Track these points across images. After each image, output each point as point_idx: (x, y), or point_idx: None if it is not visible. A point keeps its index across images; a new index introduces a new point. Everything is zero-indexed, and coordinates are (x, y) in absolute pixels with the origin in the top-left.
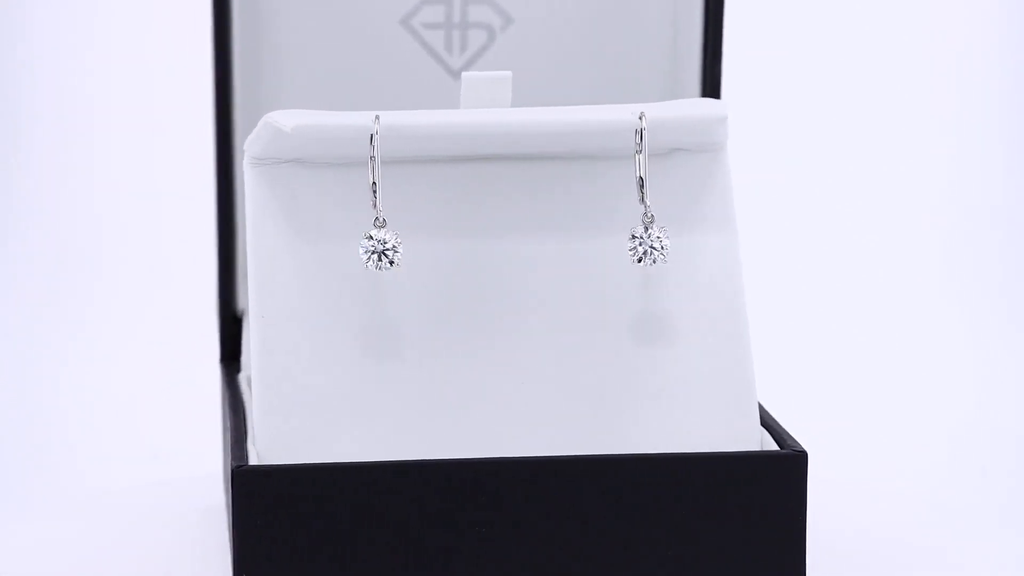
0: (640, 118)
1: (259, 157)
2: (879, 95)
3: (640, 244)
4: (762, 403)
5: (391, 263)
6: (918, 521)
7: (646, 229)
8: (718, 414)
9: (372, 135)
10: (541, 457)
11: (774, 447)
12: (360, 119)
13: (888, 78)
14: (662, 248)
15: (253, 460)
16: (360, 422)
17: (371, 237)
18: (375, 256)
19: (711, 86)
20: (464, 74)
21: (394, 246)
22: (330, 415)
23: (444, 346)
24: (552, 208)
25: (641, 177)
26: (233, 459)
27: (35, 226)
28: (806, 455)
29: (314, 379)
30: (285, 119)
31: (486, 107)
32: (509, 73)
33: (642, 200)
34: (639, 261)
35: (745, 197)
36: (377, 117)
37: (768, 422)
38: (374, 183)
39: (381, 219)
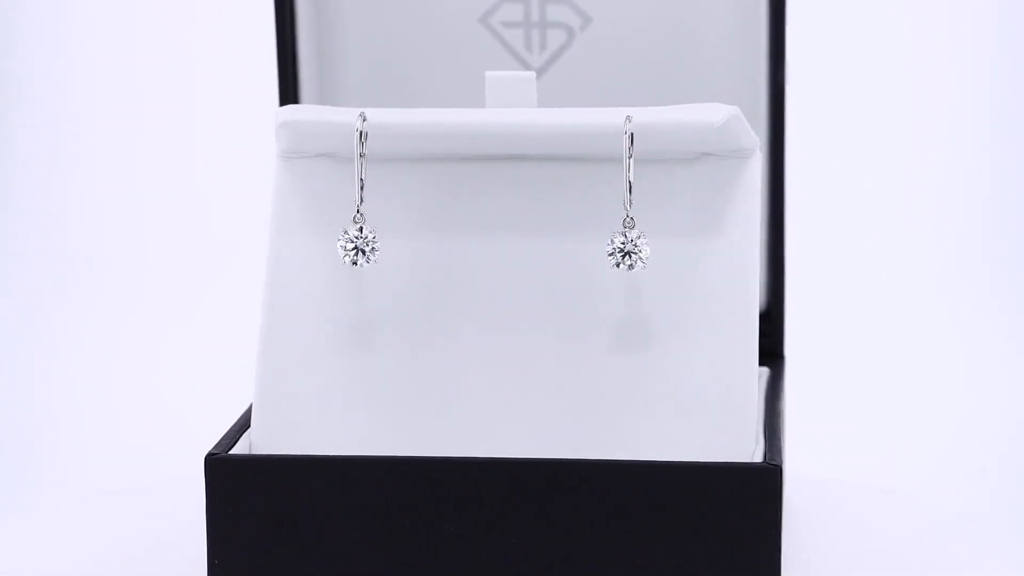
0: (626, 121)
1: (288, 151)
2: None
3: (619, 248)
4: (785, 407)
5: (367, 261)
6: (928, 524)
7: (624, 233)
8: (713, 421)
9: (358, 132)
10: (508, 458)
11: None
12: (347, 116)
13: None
14: (639, 253)
15: (242, 449)
16: (354, 417)
17: (347, 232)
18: (353, 252)
19: (775, 91)
20: (488, 73)
21: (370, 242)
22: (325, 409)
23: (444, 346)
24: (552, 209)
25: (629, 180)
26: (216, 448)
27: (93, 224)
28: (779, 470)
29: (313, 373)
30: (283, 115)
31: (511, 107)
32: (532, 73)
33: (624, 203)
34: (617, 265)
35: (806, 198)
36: (362, 115)
37: (774, 429)
38: (361, 180)
39: (360, 215)
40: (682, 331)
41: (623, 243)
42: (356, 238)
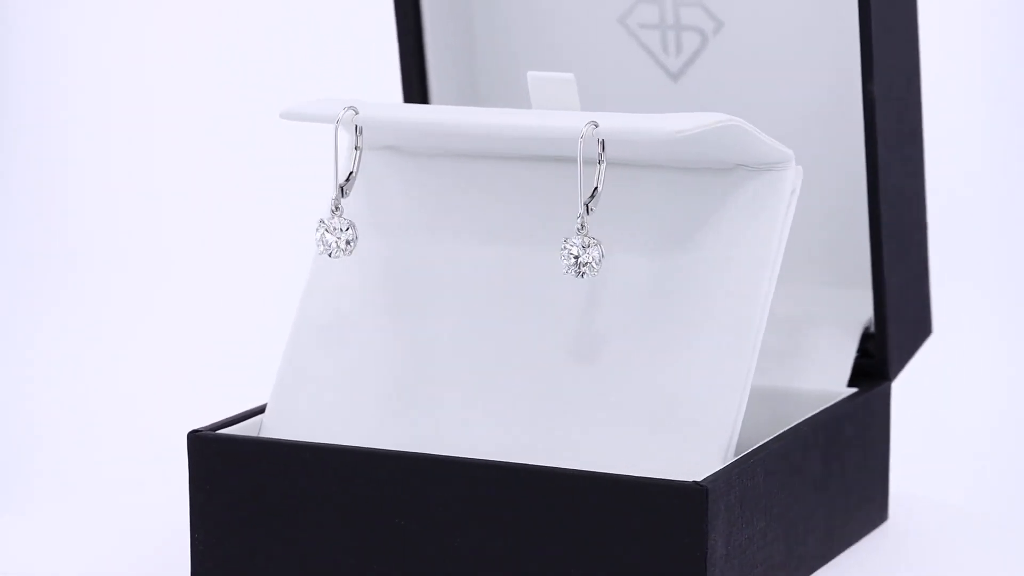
0: (589, 127)
1: (366, 142)
2: None
3: (570, 253)
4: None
5: (344, 253)
6: None
7: (576, 238)
8: (676, 435)
9: (355, 126)
10: (441, 456)
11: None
12: (335, 108)
13: None
14: (590, 260)
15: (250, 430)
16: (359, 408)
17: (323, 223)
18: (331, 245)
19: (867, 100)
20: (529, 74)
21: (346, 232)
22: (335, 397)
23: (445, 343)
24: (546, 211)
25: (596, 187)
26: (217, 426)
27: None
28: (704, 490)
29: (332, 361)
30: (285, 106)
31: (555, 107)
32: (571, 75)
33: (580, 208)
34: (566, 271)
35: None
36: (352, 108)
37: (764, 451)
38: (351, 173)
39: (336, 205)
40: (664, 342)
41: (573, 248)
42: (333, 229)
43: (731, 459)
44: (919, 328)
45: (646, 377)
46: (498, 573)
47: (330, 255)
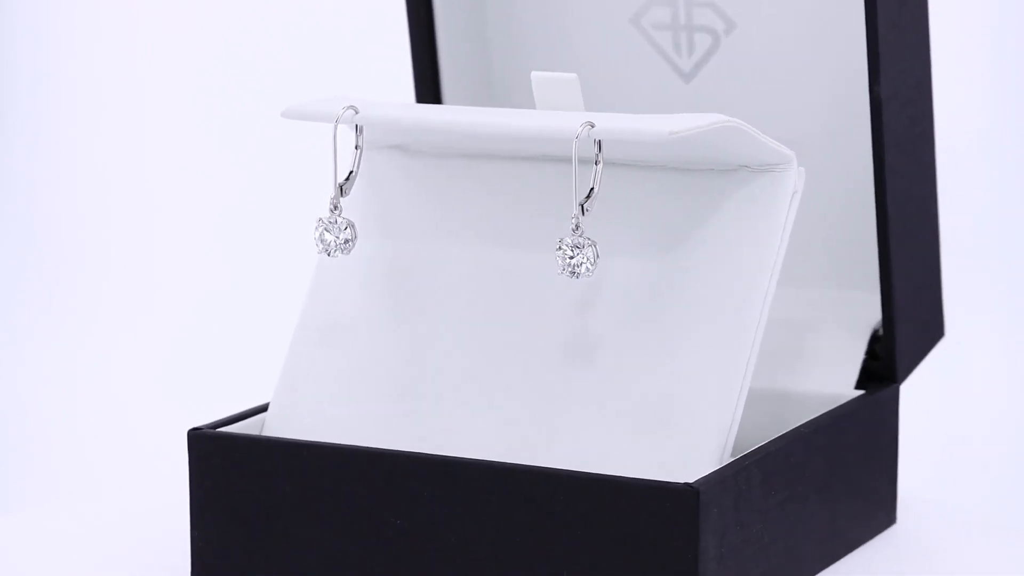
0: (585, 127)
1: (371, 141)
2: None
3: (565, 253)
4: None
5: (341, 252)
6: None
7: (571, 239)
8: (675, 435)
9: (355, 126)
10: (439, 456)
11: None
12: (335, 107)
13: None
14: (584, 261)
15: (249, 429)
16: (359, 408)
17: (322, 220)
18: (331, 241)
19: (873, 102)
20: (533, 74)
21: (345, 232)
22: (336, 397)
23: (441, 344)
24: (542, 211)
25: (593, 188)
26: (219, 424)
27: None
28: (695, 492)
29: (334, 360)
30: (287, 106)
31: (558, 107)
32: (574, 76)
33: (575, 207)
34: (561, 272)
35: None
36: (352, 108)
37: (763, 453)
38: (351, 172)
39: (335, 204)
40: (660, 343)
41: (567, 249)
42: (332, 227)
43: (727, 461)
44: (930, 331)
45: (642, 378)
46: (492, 573)
47: (328, 254)
